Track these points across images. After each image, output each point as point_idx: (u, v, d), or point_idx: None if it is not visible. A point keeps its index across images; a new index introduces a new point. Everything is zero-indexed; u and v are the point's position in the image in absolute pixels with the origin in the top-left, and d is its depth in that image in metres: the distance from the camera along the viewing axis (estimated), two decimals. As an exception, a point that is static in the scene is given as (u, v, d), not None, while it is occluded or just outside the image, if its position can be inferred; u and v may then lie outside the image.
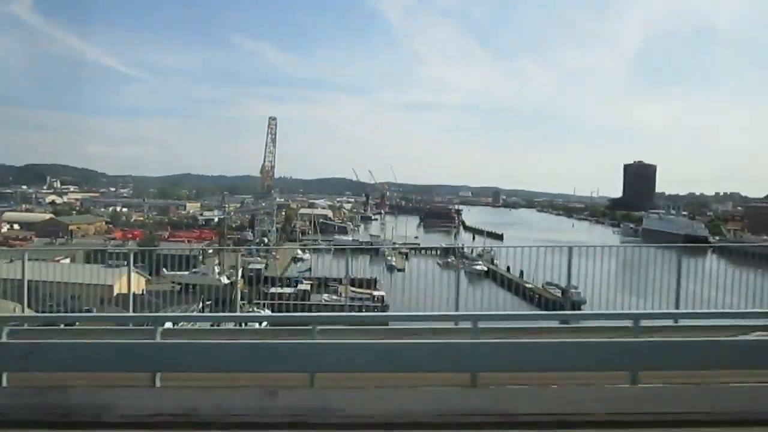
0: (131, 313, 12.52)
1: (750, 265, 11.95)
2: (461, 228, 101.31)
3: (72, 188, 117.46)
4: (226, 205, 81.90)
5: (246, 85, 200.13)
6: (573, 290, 22.91)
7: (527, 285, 23.49)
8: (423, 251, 52.29)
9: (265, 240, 65.63)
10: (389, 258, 54.90)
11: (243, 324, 12.97)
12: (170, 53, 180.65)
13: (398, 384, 6.21)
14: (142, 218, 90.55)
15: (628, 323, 8.49)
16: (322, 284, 41.09)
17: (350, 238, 73.74)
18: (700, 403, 5.40)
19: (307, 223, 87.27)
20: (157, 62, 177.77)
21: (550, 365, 6.49)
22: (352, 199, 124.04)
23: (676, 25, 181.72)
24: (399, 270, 44.67)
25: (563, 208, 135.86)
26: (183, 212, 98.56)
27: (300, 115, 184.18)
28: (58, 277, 16.55)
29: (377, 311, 29.76)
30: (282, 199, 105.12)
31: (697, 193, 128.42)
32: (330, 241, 67.86)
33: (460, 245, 60.66)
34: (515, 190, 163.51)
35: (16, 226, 76.82)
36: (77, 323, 11.40)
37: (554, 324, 10.45)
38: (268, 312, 26.44)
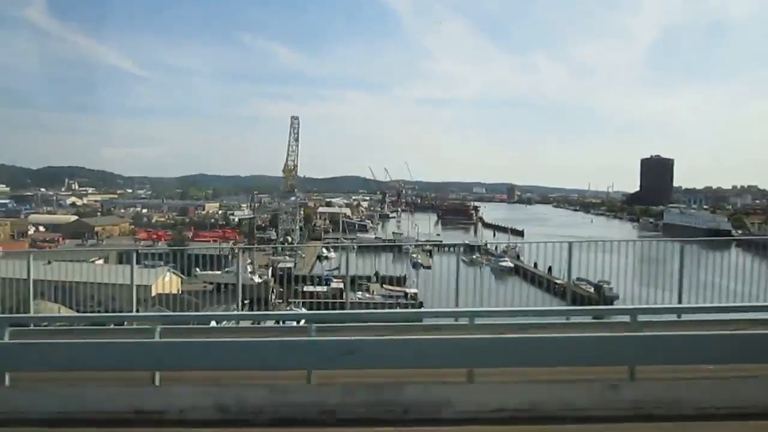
0: (174, 313, 12.55)
1: None
2: (480, 224, 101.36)
3: (90, 190, 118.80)
4: (255, 204, 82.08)
5: (258, 84, 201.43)
6: (606, 286, 23.11)
7: (557, 281, 23.68)
8: (446, 248, 52.37)
9: (289, 239, 66.15)
10: (414, 255, 55.07)
11: (282, 322, 13.54)
12: (183, 54, 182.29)
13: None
14: (163, 219, 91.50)
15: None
16: (353, 283, 41.54)
17: (373, 236, 74.16)
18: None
19: (327, 221, 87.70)
20: (170, 63, 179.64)
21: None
22: (368, 197, 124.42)
23: (691, 17, 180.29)
24: (425, 267, 44.91)
25: (580, 204, 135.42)
26: (203, 212, 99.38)
27: (312, 113, 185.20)
28: (97, 278, 16.99)
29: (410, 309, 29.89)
30: (294, 198, 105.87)
31: (714, 187, 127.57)
32: (353, 239, 68.19)
33: (484, 242, 60.74)
34: (529, 186, 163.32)
35: (41, 228, 78.00)
36: (125, 323, 11.28)
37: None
38: (304, 310, 26.76)
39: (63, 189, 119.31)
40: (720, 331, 7.34)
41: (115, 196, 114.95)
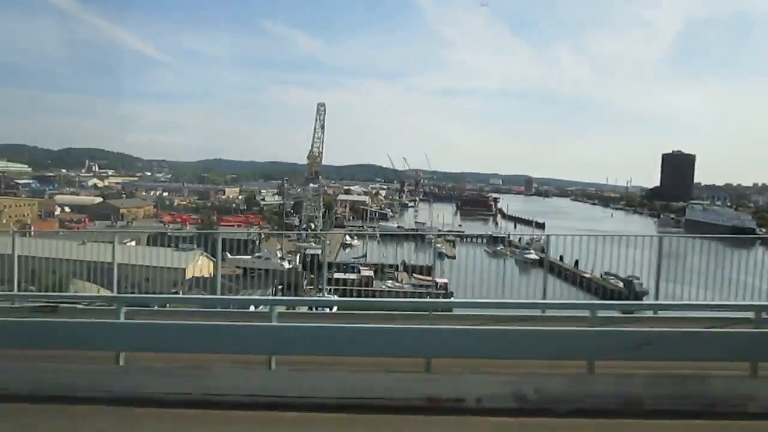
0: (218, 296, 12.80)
1: None
2: (500, 216, 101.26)
3: (110, 172, 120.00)
4: (285, 190, 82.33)
5: (277, 71, 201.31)
6: (636, 281, 23.21)
7: (585, 275, 23.81)
8: (468, 239, 52.56)
9: (312, 226, 66.63)
10: (438, 245, 55.17)
11: (316, 308, 13.21)
12: (203, 39, 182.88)
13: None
14: (185, 202, 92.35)
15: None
16: (381, 271, 41.92)
17: (395, 225, 74.49)
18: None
19: (347, 209, 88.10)
20: (190, 48, 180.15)
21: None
22: (385, 186, 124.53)
23: (714, 10, 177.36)
24: (449, 257, 45.08)
25: (598, 198, 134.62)
26: (223, 197, 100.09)
27: (329, 100, 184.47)
28: (132, 260, 17.30)
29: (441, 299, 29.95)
30: (312, 185, 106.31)
31: (735, 184, 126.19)
32: (375, 227, 68.62)
33: (507, 233, 60.79)
34: (546, 178, 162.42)
35: (66, 209, 79.05)
36: (168, 305, 11.39)
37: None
38: (336, 297, 27.12)
39: (83, 170, 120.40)
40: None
41: (135, 178, 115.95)
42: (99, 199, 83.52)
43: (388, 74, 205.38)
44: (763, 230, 69.39)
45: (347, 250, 60.53)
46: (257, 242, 47.03)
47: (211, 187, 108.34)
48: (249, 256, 42.75)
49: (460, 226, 75.49)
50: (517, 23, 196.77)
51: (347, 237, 60.96)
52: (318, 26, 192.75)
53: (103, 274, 17.12)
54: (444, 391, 5.88)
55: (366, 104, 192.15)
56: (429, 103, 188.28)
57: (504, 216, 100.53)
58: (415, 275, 36.66)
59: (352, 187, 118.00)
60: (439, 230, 65.37)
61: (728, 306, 9.73)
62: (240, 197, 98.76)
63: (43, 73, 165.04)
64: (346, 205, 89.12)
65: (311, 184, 74.82)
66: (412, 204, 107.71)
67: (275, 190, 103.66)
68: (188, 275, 27.47)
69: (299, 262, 40.11)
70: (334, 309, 12.86)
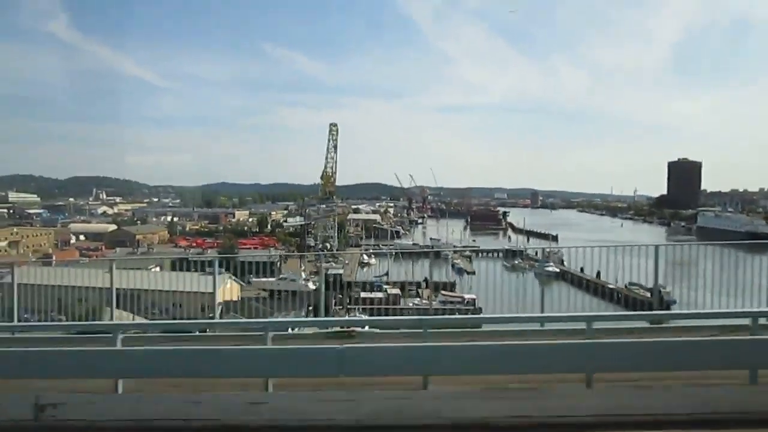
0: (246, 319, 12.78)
1: None
2: (510, 230, 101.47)
3: (117, 199, 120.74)
4: (306, 211, 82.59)
5: (278, 93, 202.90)
6: (663, 290, 23.35)
7: (609, 286, 23.95)
8: (482, 254, 52.69)
9: (327, 245, 67.01)
10: (456, 261, 55.23)
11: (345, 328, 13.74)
12: (203, 64, 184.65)
13: None
14: (197, 227, 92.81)
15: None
16: (404, 289, 42.06)
17: (411, 242, 74.80)
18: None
19: (359, 228, 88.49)
20: (191, 73, 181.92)
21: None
22: (392, 204, 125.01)
23: (713, 18, 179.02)
24: (468, 273, 45.27)
25: (605, 208, 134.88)
26: (233, 220, 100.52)
27: (333, 120, 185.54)
28: (159, 286, 17.46)
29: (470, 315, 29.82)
30: (324, 205, 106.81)
31: (741, 190, 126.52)
32: (390, 245, 68.96)
33: (523, 247, 60.93)
34: (551, 190, 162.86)
35: (81, 237, 79.54)
36: (207, 330, 11.47)
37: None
38: (365, 317, 27.22)
39: (91, 198, 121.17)
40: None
41: (144, 204, 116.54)
42: (113, 227, 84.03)
43: (389, 92, 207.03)
44: (778, 235, 69.28)
45: (365, 269, 60.62)
46: (278, 264, 47.26)
47: (220, 210, 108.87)
48: (273, 279, 43.01)
49: (474, 241, 75.80)
50: (516, 36, 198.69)
51: (364, 256, 61.10)
52: (318, 47, 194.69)
53: (132, 301, 17.36)
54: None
55: (368, 123, 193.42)
56: (431, 120, 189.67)
57: (514, 229, 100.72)
58: (443, 292, 36.80)
59: (359, 206, 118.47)
60: (454, 246, 65.63)
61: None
62: (251, 220, 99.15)
63: (47, 103, 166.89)
64: (358, 224, 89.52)
65: (323, 205, 75.43)
66: (420, 221, 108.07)
67: (285, 212, 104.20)
68: (217, 299, 27.68)
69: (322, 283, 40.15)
70: (366, 328, 13.11)
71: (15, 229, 71.15)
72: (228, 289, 29.24)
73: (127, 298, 16.71)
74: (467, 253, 57.00)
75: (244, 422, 4.72)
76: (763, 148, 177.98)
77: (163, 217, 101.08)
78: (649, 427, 4.88)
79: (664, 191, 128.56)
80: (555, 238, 75.13)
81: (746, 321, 8.51)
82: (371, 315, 27.35)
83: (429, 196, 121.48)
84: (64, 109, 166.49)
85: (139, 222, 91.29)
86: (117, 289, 16.49)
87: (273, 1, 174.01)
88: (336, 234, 72.17)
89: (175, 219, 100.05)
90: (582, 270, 25.89)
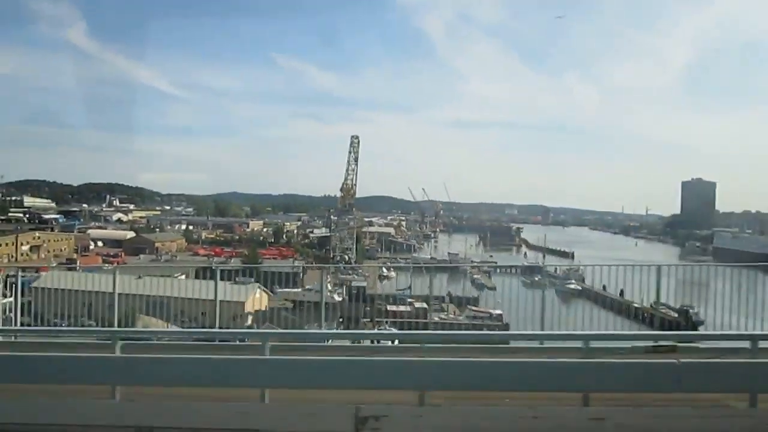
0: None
1: None
2: (524, 246, 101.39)
3: (131, 206, 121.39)
4: (332, 223, 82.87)
5: (289, 105, 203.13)
6: (692, 311, 23.38)
7: (635, 305, 23.99)
8: (500, 270, 52.79)
9: (346, 258, 67.48)
10: (477, 276, 55.29)
11: (377, 341, 13.46)
12: (215, 74, 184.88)
13: None
14: (212, 236, 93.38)
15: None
16: (428, 303, 42.15)
17: (428, 257, 75.09)
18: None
19: (374, 240, 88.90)
20: (204, 83, 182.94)
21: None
22: (403, 218, 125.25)
23: (725, 39, 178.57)
24: (489, 288, 45.43)
25: (619, 227, 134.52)
26: (248, 229, 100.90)
27: (345, 133, 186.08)
28: (188, 294, 17.65)
29: (498, 330, 29.86)
30: (336, 218, 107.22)
31: (753, 211, 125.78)
32: (408, 259, 69.30)
33: (542, 264, 60.92)
34: (561, 207, 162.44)
35: (99, 243, 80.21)
36: (246, 339, 11.52)
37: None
38: (394, 330, 27.37)
39: (104, 205, 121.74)
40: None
41: (158, 212, 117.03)
42: (131, 234, 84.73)
43: (401, 107, 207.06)
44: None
45: (383, 281, 60.81)
46: (301, 275, 47.53)
47: (234, 220, 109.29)
48: (298, 289, 43.19)
49: (491, 256, 75.92)
50: (529, 54, 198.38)
51: (383, 269, 61.36)
52: (331, 60, 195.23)
53: (161, 308, 17.64)
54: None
55: (380, 137, 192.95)
56: (442, 135, 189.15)
57: (528, 246, 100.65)
58: (470, 307, 36.98)
59: (372, 219, 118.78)
60: (473, 261, 65.83)
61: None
62: (265, 230, 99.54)
63: (62, 110, 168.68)
64: (374, 237, 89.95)
65: (350, 216, 75.92)
66: (433, 235, 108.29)
67: (299, 222, 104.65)
68: (247, 308, 27.97)
69: (346, 295, 40.57)
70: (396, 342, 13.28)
71: (37, 234, 72.13)
72: (257, 298, 29.57)
73: (157, 305, 17.04)
74: (485, 268, 57.04)
75: None
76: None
77: (177, 226, 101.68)
78: None
79: (676, 211, 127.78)
80: (571, 256, 75.14)
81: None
82: (400, 328, 27.56)
83: (441, 211, 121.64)
84: (78, 116, 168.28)
85: (158, 230, 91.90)
86: (147, 296, 16.85)
87: (286, 14, 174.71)
88: (354, 246, 72.69)
89: (190, 227, 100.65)
90: (605, 288, 25.98)
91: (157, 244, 76.57)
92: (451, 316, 37.73)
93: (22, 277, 16.30)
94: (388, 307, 35.29)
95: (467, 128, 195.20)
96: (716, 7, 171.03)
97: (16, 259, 64.65)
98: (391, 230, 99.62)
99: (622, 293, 20.61)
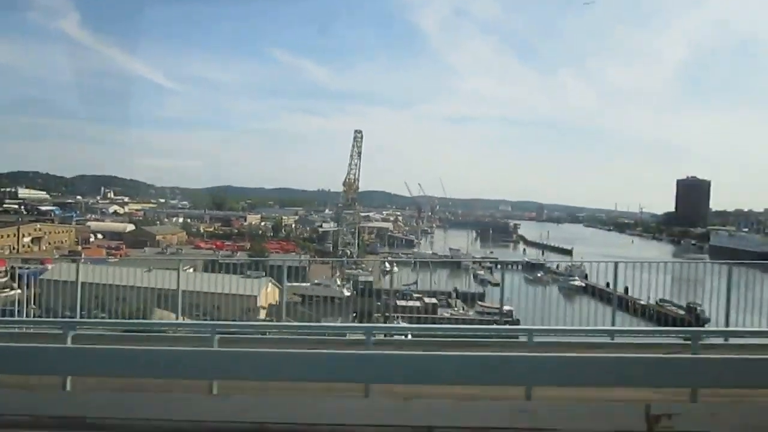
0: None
1: None
2: (521, 243, 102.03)
3: (125, 199, 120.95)
4: (343, 217, 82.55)
5: (284, 98, 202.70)
6: (699, 308, 23.91)
7: (640, 302, 24.43)
8: (500, 266, 53.06)
9: (348, 252, 67.81)
10: (480, 272, 55.73)
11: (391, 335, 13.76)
12: (210, 67, 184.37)
13: None
14: (211, 229, 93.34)
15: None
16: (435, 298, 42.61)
17: (430, 252, 75.52)
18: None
19: (373, 235, 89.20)
20: (198, 76, 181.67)
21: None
22: (398, 213, 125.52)
23: (720, 38, 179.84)
24: (493, 284, 45.86)
25: (614, 224, 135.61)
26: (245, 223, 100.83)
27: (339, 128, 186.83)
28: (198, 287, 17.93)
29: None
30: (331, 212, 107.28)
31: (746, 210, 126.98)
32: (409, 254, 69.73)
33: (544, 260, 61.55)
34: (555, 204, 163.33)
35: (99, 236, 80.00)
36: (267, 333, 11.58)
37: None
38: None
39: (99, 197, 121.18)
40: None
41: (154, 205, 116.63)
42: (131, 226, 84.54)
43: (395, 101, 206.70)
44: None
45: (386, 276, 61.11)
46: (307, 269, 47.87)
47: (231, 213, 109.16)
48: (307, 284, 43.53)
49: (491, 252, 76.42)
50: (524, 51, 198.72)
51: (386, 264, 61.74)
52: (326, 54, 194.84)
53: (171, 302, 17.85)
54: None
55: (374, 132, 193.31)
56: (437, 130, 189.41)
57: (526, 242, 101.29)
58: (479, 303, 37.40)
59: (369, 214, 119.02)
60: (474, 257, 66.28)
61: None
62: (263, 224, 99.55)
63: (54, 101, 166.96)
64: (371, 232, 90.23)
65: (351, 211, 76.09)
66: (430, 231, 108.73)
67: (296, 217, 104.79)
68: (259, 302, 28.24)
69: (353, 289, 40.95)
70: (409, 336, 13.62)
71: (38, 226, 71.90)
72: (269, 292, 29.84)
73: (168, 298, 17.25)
74: (487, 264, 57.50)
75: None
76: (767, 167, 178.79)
77: (174, 219, 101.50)
78: None
79: (669, 209, 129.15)
80: (570, 252, 75.81)
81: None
82: (411, 323, 27.91)
83: (437, 206, 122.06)
84: (70, 108, 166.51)
85: (158, 223, 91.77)
86: (159, 289, 17.03)
87: (281, 8, 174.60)
88: (356, 241, 73.02)
89: (188, 220, 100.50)
90: (608, 285, 26.36)
91: (158, 237, 76.50)
92: (461, 311, 38.12)
93: (27, 268, 16.35)
94: (398, 302, 35.59)
95: (461, 123, 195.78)
96: (711, 6, 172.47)
97: (18, 251, 64.56)
98: (389, 225, 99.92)
99: (626, 290, 21.07)
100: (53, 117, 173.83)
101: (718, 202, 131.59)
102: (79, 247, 65.80)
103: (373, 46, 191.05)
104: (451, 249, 77.59)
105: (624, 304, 19.93)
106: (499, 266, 53.79)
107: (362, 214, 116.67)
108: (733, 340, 10.70)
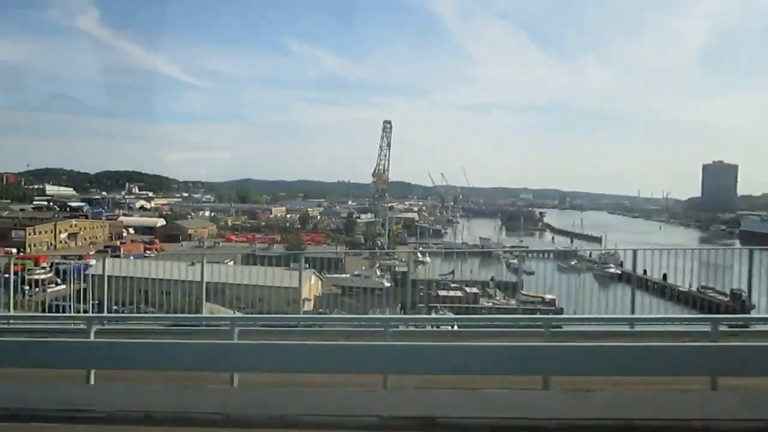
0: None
1: None
2: (548, 231, 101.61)
3: (150, 194, 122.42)
4: (381, 209, 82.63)
5: (303, 90, 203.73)
6: (743, 294, 23.73)
7: (681, 288, 24.27)
8: (534, 255, 53.08)
9: (378, 243, 68.10)
10: (513, 261, 55.64)
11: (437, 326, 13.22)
12: (228, 61, 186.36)
13: None
14: (238, 222, 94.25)
15: None
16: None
17: (459, 241, 75.62)
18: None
19: (400, 226, 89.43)
20: (217, 70, 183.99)
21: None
22: (421, 203, 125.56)
23: (744, 19, 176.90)
24: (527, 273, 45.74)
25: (639, 210, 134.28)
26: (270, 216, 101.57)
27: (359, 118, 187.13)
28: (243, 280, 18.24)
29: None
30: (354, 203, 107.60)
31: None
32: (439, 244, 69.91)
33: (576, 248, 61.27)
34: (577, 191, 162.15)
35: (131, 231, 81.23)
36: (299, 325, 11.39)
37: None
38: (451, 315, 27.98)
39: (124, 193, 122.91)
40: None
41: (179, 199, 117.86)
42: (161, 221, 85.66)
43: (415, 90, 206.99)
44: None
45: (418, 267, 61.38)
46: (342, 260, 48.33)
47: (256, 206, 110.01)
48: (346, 275, 43.95)
49: (521, 241, 76.28)
50: (543, 36, 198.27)
51: (418, 254, 62.02)
52: (344, 45, 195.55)
53: (216, 295, 18.23)
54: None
55: (394, 121, 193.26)
56: (457, 119, 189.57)
57: (552, 230, 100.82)
58: (522, 291, 37.41)
59: (393, 204, 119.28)
60: (504, 246, 66.28)
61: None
62: (289, 216, 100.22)
63: (77, 98, 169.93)
64: (400, 222, 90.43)
65: (382, 202, 76.12)
66: (454, 220, 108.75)
67: (320, 209, 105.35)
68: (303, 295, 28.63)
69: (392, 280, 41.36)
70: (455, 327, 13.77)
71: (74, 222, 73.21)
72: (313, 285, 30.31)
73: (217, 291, 17.63)
74: (517, 253, 57.22)
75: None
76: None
77: (201, 212, 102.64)
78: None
79: (694, 194, 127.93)
80: (599, 240, 75.38)
81: None
82: (457, 313, 28.13)
83: (460, 196, 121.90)
84: (93, 105, 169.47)
85: (189, 217, 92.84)
86: (206, 282, 17.38)
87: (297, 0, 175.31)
88: (386, 232, 73.24)
89: (214, 214, 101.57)
90: (645, 272, 26.34)
91: (189, 231, 77.46)
92: (502, 301, 38.26)
93: (67, 264, 16.60)
94: (440, 293, 35.87)
95: (481, 111, 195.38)
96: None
97: (55, 247, 65.92)
98: (415, 215, 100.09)
99: (665, 277, 21.04)
100: (75, 114, 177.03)
101: (744, 185, 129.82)
102: (117, 242, 66.86)
103: (392, 35, 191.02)
104: (481, 238, 77.50)
105: (664, 291, 20.05)
106: (530, 255, 53.93)
107: (386, 205, 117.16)
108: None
